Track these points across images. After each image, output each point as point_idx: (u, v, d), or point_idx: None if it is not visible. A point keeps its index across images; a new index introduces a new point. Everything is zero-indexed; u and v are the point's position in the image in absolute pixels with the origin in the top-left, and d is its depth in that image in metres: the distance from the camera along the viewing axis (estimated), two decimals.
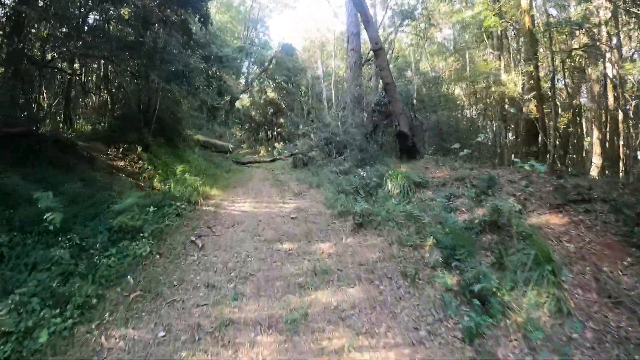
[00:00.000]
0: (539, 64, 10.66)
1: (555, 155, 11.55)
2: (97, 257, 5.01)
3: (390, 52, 23.22)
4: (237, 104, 34.99)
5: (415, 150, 11.84)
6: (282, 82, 30.45)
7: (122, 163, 9.91)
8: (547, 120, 12.74)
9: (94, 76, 13.51)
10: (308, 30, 32.03)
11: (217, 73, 20.14)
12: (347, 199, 8.17)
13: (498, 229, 5.47)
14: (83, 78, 12.64)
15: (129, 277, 4.72)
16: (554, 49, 9.20)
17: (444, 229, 5.72)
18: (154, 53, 8.17)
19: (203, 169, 12.56)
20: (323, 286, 4.44)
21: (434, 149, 12.98)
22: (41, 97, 10.52)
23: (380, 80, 20.37)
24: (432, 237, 5.46)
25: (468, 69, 18.06)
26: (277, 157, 18.21)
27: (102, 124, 12.71)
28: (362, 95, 16.96)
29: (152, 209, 6.48)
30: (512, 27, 13.29)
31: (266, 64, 26.58)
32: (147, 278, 4.78)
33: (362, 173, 9.47)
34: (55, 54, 8.54)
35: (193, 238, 6.08)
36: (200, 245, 5.77)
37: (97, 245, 5.21)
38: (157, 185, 9.10)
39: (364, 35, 17.23)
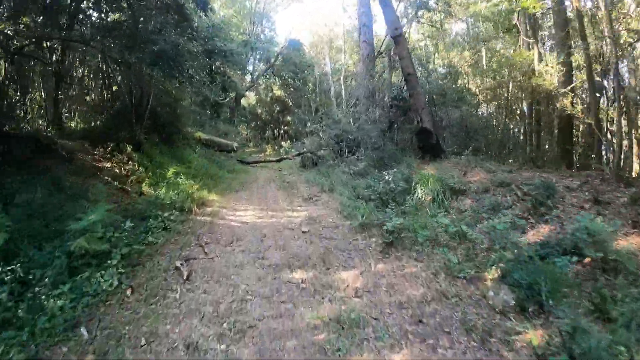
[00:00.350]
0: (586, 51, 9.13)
1: (612, 159, 10.03)
2: (44, 297, 3.65)
3: None
4: (243, 102, 33.66)
5: (439, 149, 10.39)
6: (289, 79, 29.03)
7: (108, 164, 8.57)
8: (582, 116, 11.18)
9: (86, 69, 12.21)
10: (315, 25, 30.56)
11: (221, 68, 18.76)
12: (367, 207, 6.75)
13: (583, 256, 4.02)
14: (74, 71, 11.35)
15: (81, 328, 3.35)
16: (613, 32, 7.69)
17: (505, 252, 4.28)
18: (135, 32, 6.78)
19: (202, 169, 11.19)
20: (355, 350, 3.01)
21: (455, 148, 11.51)
22: (19, 92, 9.22)
23: (396, 73, 18.94)
24: (494, 266, 4.02)
25: (485, 61, 16.53)
26: (284, 156, 16.84)
27: (100, 122, 11.46)
28: (376, 90, 15.50)
29: (128, 223, 5.08)
30: (549, 11, 11.73)
31: (272, 59, 25.17)
32: (108, 329, 3.39)
33: (386, 177, 8.00)
34: (26, 42, 7.18)
35: (178, 263, 4.67)
36: (185, 275, 4.36)
37: (47, 279, 3.84)
38: (146, 190, 7.73)
39: (377, 27, 15.78)
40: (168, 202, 7.02)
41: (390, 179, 7.66)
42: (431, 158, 10.17)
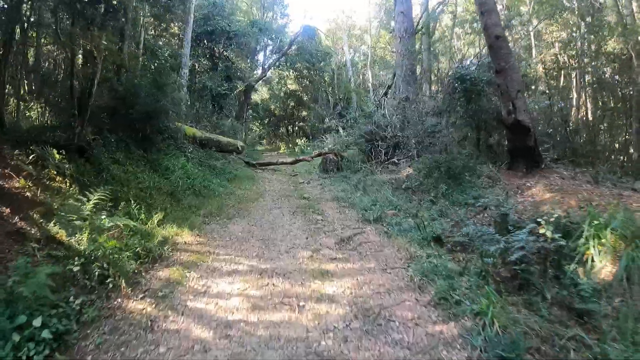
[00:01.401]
0: None
1: None
2: None
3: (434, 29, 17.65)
4: (256, 97, 30.01)
5: (536, 156, 6.53)
6: (304, 70, 25.21)
7: (20, 182, 4.98)
8: None
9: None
10: (332, 11, 26.60)
11: (224, 53, 15.07)
12: (491, 294, 2.95)
13: None
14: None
15: None
16: None
17: None
18: None
19: (187, 183, 7.55)
20: None
21: (555, 154, 7.65)
22: None
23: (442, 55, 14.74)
24: None
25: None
26: (300, 157, 13.09)
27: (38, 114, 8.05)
28: (424, 71, 11.63)
29: None
30: None
31: (285, 48, 21.38)
32: None
33: (481, 202, 4.18)
34: None
35: None
36: None
37: None
38: (56, 232, 4.10)
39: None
40: (79, 264, 3.37)
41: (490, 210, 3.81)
42: (527, 169, 6.32)
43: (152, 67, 9.50)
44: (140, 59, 9.71)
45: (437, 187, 6.51)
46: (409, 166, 9.32)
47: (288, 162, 12.92)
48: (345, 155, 11.78)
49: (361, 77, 26.08)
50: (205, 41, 14.39)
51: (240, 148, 12.10)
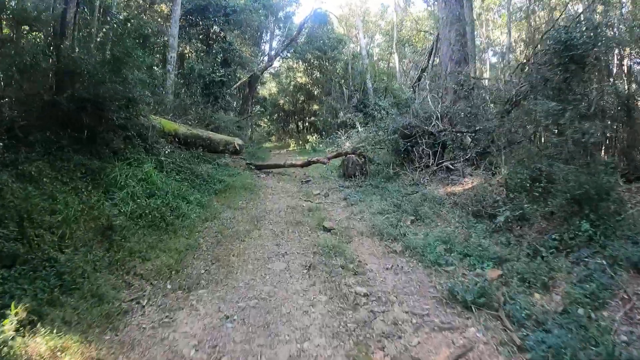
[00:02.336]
0: None
1: None
2: None
3: None
4: (264, 92, 26.99)
5: None
6: (315, 61, 22.11)
7: None
8: None
9: None
10: None
11: (221, 34, 12.05)
12: None
13: None
14: None
15: None
16: None
17: None
18: None
19: (133, 210, 4.60)
20: None
21: None
22: None
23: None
24: None
25: None
26: (313, 158, 10.04)
27: None
28: (467, 47, 8.52)
29: None
30: None
31: (294, 33, 18.30)
32: None
33: None
34: None
35: None
36: None
37: None
38: None
39: None
40: None
41: None
42: None
43: (114, 38, 6.56)
44: (95, 29, 6.79)
45: (569, 223, 3.45)
46: (472, 174, 6.26)
47: (298, 164, 9.96)
48: (372, 156, 8.75)
49: (382, 64, 22.87)
50: (198, 19, 11.43)
51: (238, 147, 9.14)
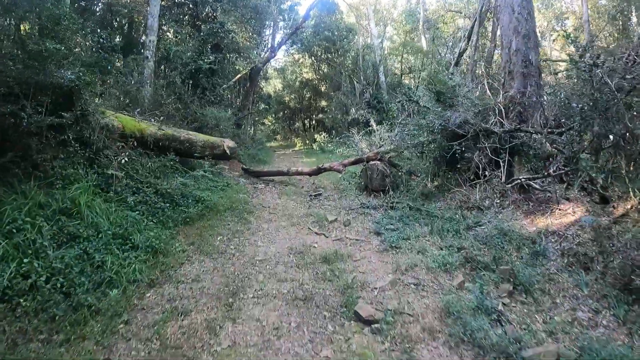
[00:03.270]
0: None
1: None
2: None
3: None
4: (269, 89, 24.66)
5: None
6: (322, 54, 19.83)
7: None
8: None
9: None
10: None
11: (213, 14, 9.76)
12: None
13: None
14: None
15: None
16: None
17: None
18: None
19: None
20: None
21: None
22: None
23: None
24: None
25: None
26: (325, 165, 7.74)
27: None
28: (534, 19, 6.18)
29: None
30: None
31: (300, 21, 15.99)
32: None
33: None
34: None
35: None
36: None
37: None
38: None
39: None
40: None
41: None
42: None
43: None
44: None
45: None
46: (567, 197, 3.99)
47: (306, 172, 7.74)
48: (402, 164, 6.49)
49: (394, 59, 20.51)
50: None
51: (228, 150, 6.92)
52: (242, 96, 14.94)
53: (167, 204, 4.56)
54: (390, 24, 23.84)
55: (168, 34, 9.28)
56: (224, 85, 10.67)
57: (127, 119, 5.53)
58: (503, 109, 5.39)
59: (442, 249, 3.61)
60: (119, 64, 7.52)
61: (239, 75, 14.02)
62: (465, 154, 5.24)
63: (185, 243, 3.83)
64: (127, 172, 4.80)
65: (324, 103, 21.43)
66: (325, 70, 21.16)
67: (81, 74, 4.42)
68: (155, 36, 8.38)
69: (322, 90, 22.37)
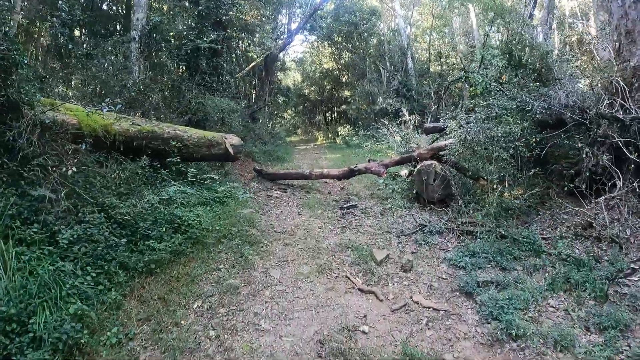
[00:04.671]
0: None
1: None
2: None
3: None
4: (288, 82, 22.70)
5: None
6: (343, 40, 17.67)
7: None
8: None
9: None
10: None
11: None
12: None
13: None
14: None
15: None
16: None
17: None
18: None
19: None
20: None
21: None
22: None
23: None
24: None
25: None
26: (357, 166, 5.81)
27: None
28: None
29: None
30: None
31: (317, 3, 13.95)
32: None
33: None
34: None
35: None
36: None
37: None
38: None
39: None
40: None
41: None
42: None
43: None
44: None
45: None
46: None
47: (333, 175, 5.87)
48: (467, 166, 4.47)
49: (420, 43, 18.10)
50: None
51: (231, 149, 5.09)
52: (259, 87, 13.14)
53: (124, 239, 2.81)
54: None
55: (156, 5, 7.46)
56: (236, 75, 8.85)
57: (83, 113, 3.79)
58: (625, 86, 3.31)
59: (589, 331, 1.68)
60: (86, 46, 5.84)
61: (253, 64, 12.23)
62: (570, 151, 3.21)
63: (134, 319, 2.07)
64: (73, 190, 3.08)
65: (347, 93, 19.35)
66: (346, 58, 19.02)
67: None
68: (144, 13, 6.64)
69: (344, 80, 20.30)
